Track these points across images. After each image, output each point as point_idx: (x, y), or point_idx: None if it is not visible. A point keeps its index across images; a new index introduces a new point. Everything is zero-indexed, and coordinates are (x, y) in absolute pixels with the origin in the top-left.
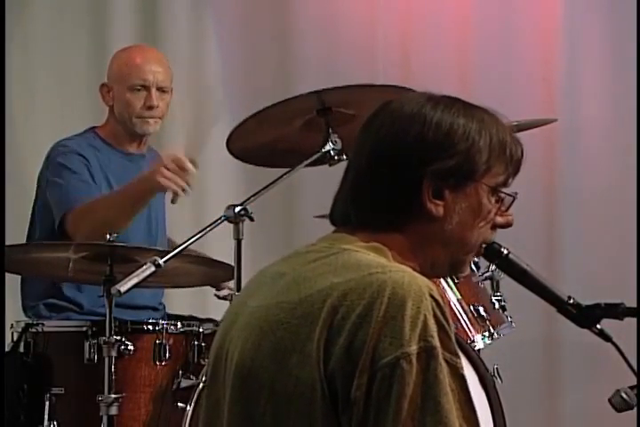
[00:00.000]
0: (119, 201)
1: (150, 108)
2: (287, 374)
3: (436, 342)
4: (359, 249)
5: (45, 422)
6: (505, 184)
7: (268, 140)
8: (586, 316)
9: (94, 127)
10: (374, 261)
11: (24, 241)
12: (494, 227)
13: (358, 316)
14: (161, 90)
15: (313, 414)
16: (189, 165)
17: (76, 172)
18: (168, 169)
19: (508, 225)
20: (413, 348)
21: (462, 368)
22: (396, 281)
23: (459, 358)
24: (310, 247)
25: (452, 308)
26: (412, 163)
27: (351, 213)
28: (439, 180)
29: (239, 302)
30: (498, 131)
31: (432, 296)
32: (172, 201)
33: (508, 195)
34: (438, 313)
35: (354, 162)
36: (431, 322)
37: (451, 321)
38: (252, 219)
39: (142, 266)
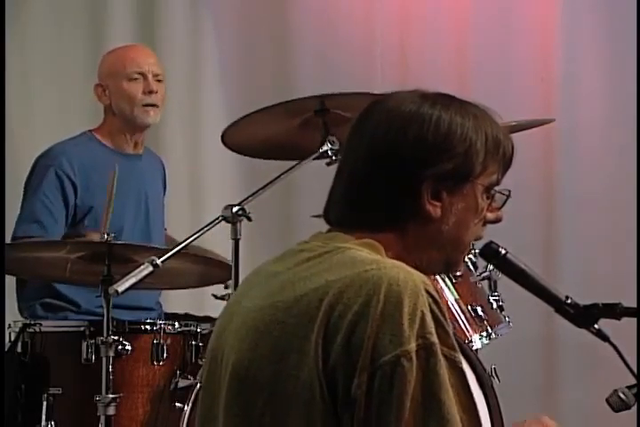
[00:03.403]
0: None
1: (150, 92)
2: (286, 374)
3: (435, 339)
4: (353, 246)
5: (43, 423)
6: (498, 182)
7: (265, 134)
8: (584, 316)
9: (90, 130)
10: (368, 258)
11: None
12: (485, 223)
13: (355, 314)
14: (156, 78)
15: (312, 414)
16: None
17: (46, 194)
18: None
19: (497, 221)
20: (412, 345)
21: (461, 362)
22: (391, 277)
23: (457, 352)
24: (303, 246)
25: (449, 308)
26: (411, 165)
27: (347, 213)
28: (438, 182)
29: (234, 302)
30: (492, 129)
31: (428, 292)
32: None
33: (503, 194)
34: (435, 309)
35: (348, 161)
36: (428, 318)
37: (447, 315)
38: (249, 219)
39: (140, 266)
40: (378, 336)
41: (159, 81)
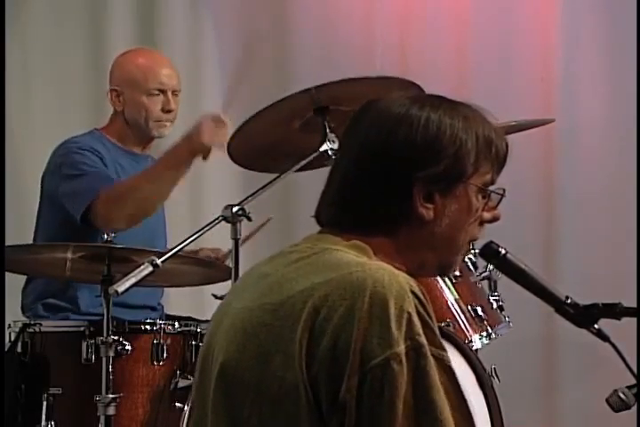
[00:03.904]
0: (160, 172)
1: (169, 111)
2: (272, 375)
3: (423, 340)
4: (340, 248)
5: (43, 423)
6: (492, 181)
7: (268, 143)
8: (584, 316)
9: (97, 128)
10: (354, 260)
11: (25, 241)
12: (482, 223)
13: (341, 317)
14: (174, 93)
15: (298, 415)
16: (226, 119)
17: (93, 165)
18: (206, 127)
19: (495, 220)
20: (401, 348)
21: (449, 361)
22: (376, 280)
23: (444, 350)
24: (294, 248)
25: (449, 308)
26: (401, 167)
27: (338, 214)
28: (430, 184)
29: (225, 303)
30: (484, 128)
31: (414, 293)
32: (204, 158)
33: (497, 193)
34: (421, 310)
35: (341, 163)
36: (415, 319)
37: (433, 315)
38: (249, 219)
39: (140, 266)
40: (365, 339)
41: (176, 95)
